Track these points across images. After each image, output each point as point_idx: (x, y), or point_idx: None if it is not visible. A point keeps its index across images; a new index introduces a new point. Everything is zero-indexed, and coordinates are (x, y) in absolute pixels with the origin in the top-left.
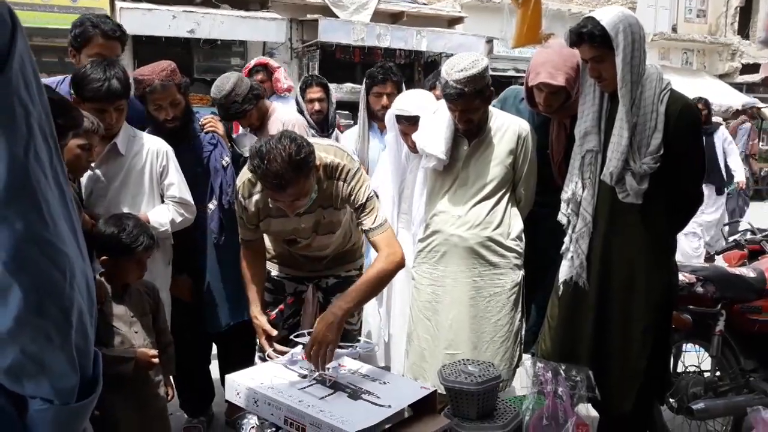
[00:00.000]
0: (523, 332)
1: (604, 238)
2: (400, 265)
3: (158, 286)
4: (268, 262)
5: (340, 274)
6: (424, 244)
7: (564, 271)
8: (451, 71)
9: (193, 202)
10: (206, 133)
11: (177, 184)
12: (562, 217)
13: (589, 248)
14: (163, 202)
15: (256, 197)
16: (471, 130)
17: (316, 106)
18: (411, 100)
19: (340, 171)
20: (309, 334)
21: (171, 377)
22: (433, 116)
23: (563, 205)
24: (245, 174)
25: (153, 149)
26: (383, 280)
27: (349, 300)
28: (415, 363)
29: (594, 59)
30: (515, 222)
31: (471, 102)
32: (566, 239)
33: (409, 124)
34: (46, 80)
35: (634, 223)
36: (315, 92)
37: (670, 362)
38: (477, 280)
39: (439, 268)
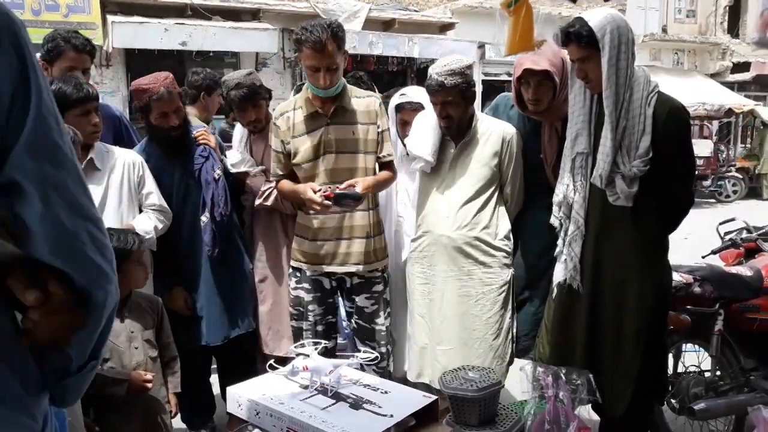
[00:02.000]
0: (515, 330)
1: (595, 241)
2: (393, 180)
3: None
4: (298, 263)
5: (363, 275)
6: (416, 245)
7: (558, 274)
8: (436, 67)
9: (169, 208)
10: (198, 145)
11: (155, 193)
12: (554, 220)
13: (582, 251)
14: (140, 211)
15: (288, 114)
16: (451, 128)
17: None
18: (414, 90)
19: (374, 96)
20: (311, 344)
21: (176, 393)
22: (422, 120)
23: (555, 208)
24: (283, 104)
25: (128, 161)
26: (388, 182)
27: (371, 179)
28: (415, 360)
29: (581, 59)
30: (503, 222)
31: (449, 94)
32: (559, 242)
33: (410, 109)
34: None
35: (625, 225)
36: None
37: (666, 363)
38: (466, 279)
39: (431, 267)
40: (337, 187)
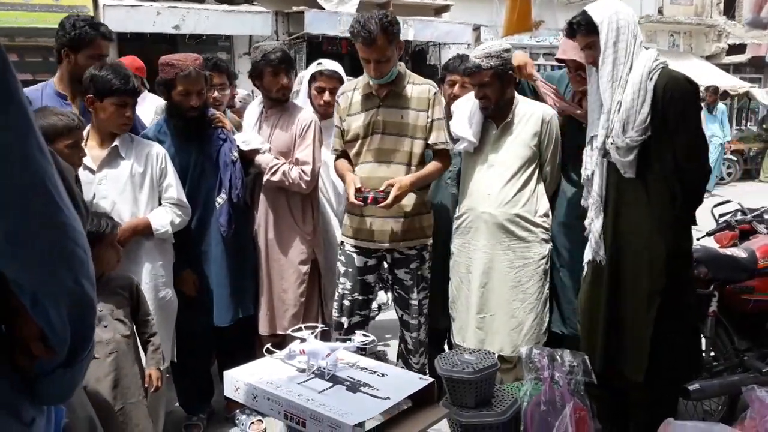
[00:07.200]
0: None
1: (614, 216)
2: (444, 170)
3: (162, 285)
4: (343, 237)
5: (402, 251)
6: (459, 221)
7: (587, 253)
8: (475, 51)
9: (188, 204)
10: (214, 127)
11: (175, 187)
12: (583, 201)
13: (603, 226)
14: (160, 203)
15: (348, 93)
16: (489, 109)
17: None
18: (329, 62)
19: (430, 85)
20: (306, 328)
21: (160, 369)
22: (465, 102)
23: (585, 190)
24: (346, 84)
25: (153, 152)
26: (434, 174)
27: (412, 177)
28: (457, 328)
29: (587, 47)
30: (542, 200)
31: (485, 75)
32: (586, 221)
33: (327, 75)
34: (27, 90)
35: (637, 197)
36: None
37: (697, 338)
38: (507, 253)
39: (472, 242)
40: (370, 195)
